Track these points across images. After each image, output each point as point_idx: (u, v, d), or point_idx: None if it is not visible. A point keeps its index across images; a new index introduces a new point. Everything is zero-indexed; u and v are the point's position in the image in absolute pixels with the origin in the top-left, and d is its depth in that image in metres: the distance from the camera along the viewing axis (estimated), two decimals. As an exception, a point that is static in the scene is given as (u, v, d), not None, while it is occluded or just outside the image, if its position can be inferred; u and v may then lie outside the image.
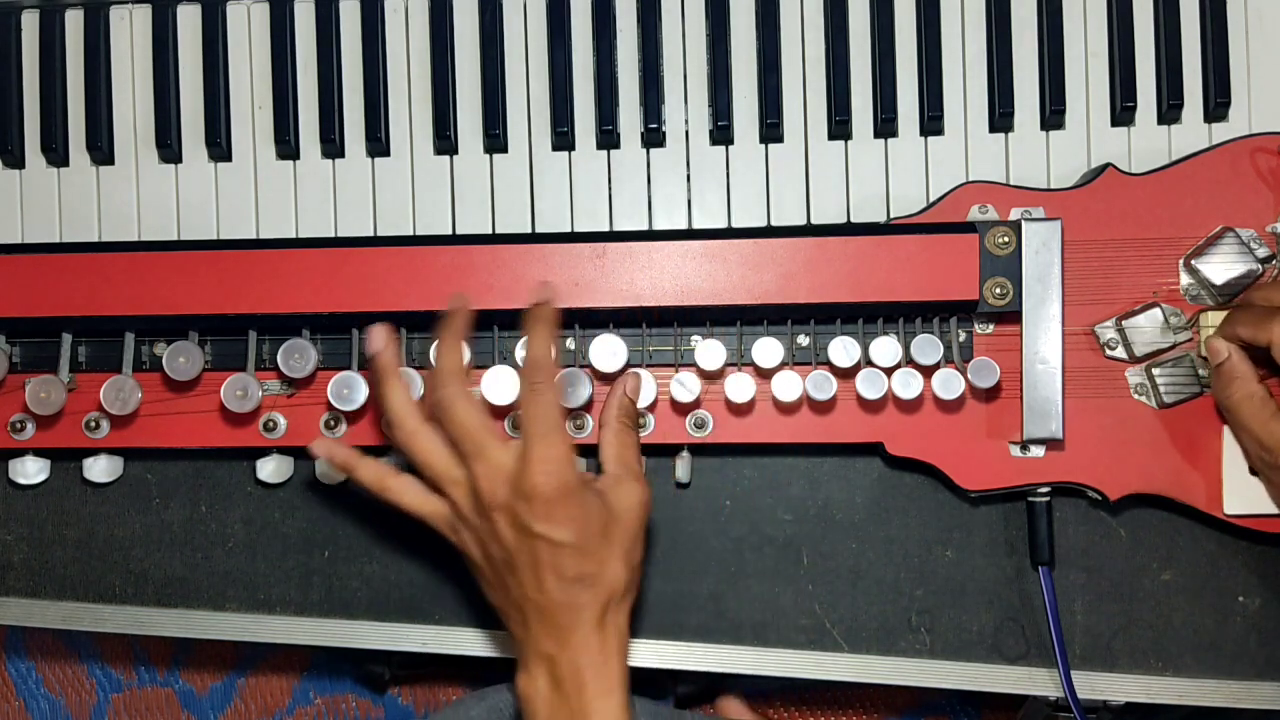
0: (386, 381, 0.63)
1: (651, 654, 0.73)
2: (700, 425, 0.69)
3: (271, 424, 0.68)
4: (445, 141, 0.74)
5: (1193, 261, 0.68)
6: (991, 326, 0.68)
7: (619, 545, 0.61)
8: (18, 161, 0.75)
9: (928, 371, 0.67)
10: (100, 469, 0.72)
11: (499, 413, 0.68)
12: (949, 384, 0.66)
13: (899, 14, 0.73)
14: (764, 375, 0.68)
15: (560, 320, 0.63)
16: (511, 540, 0.60)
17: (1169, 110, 0.72)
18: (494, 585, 0.63)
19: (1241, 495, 0.67)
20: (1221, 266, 0.67)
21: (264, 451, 0.71)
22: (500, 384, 0.66)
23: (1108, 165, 0.69)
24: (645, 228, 0.74)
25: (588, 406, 0.68)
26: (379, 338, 0.64)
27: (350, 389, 0.66)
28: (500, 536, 0.60)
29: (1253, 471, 0.67)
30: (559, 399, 0.62)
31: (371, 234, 0.74)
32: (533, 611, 0.61)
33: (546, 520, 0.59)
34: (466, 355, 0.64)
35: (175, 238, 0.74)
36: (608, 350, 0.67)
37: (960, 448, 0.68)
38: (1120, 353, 0.68)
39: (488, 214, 0.74)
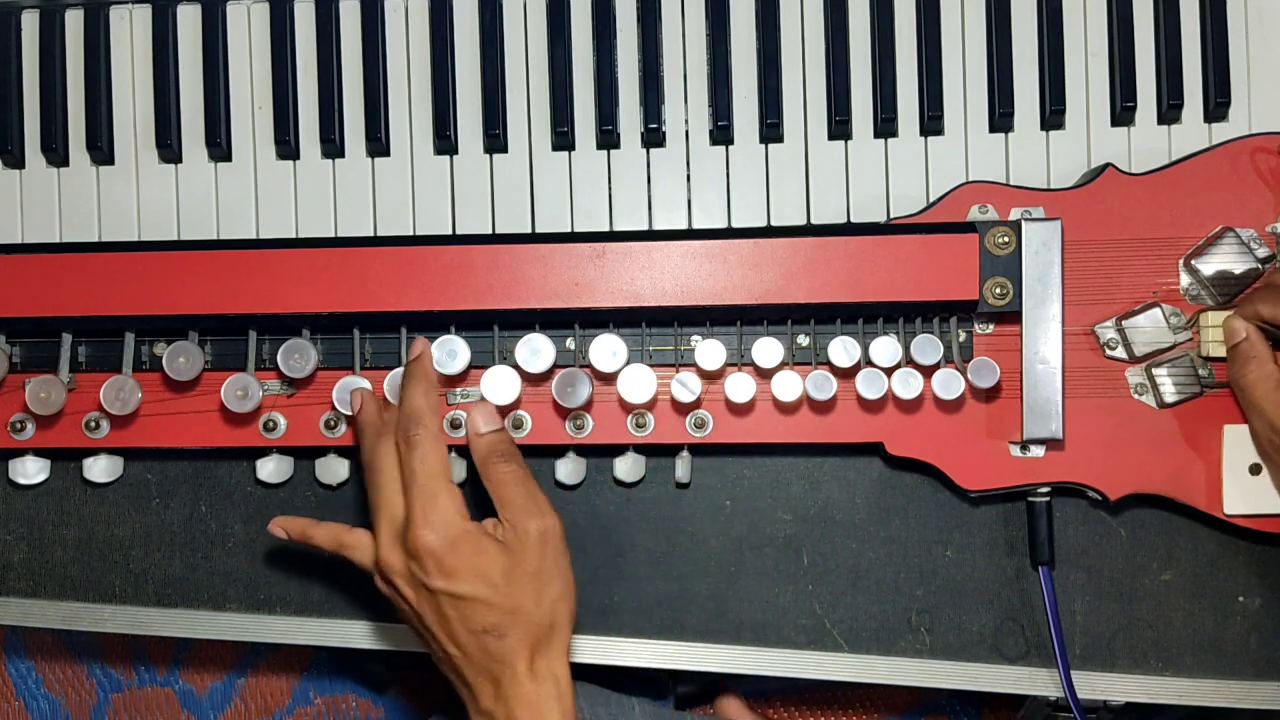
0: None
1: (651, 654, 0.73)
2: (700, 425, 0.69)
3: (271, 424, 0.68)
4: (445, 141, 0.74)
5: (1193, 261, 0.68)
6: (991, 326, 0.68)
7: (527, 587, 0.59)
8: (18, 161, 0.75)
9: (928, 371, 0.67)
10: (100, 469, 0.72)
11: (499, 413, 0.68)
12: (949, 384, 0.66)
13: (899, 14, 0.73)
14: (764, 375, 0.68)
15: (431, 373, 0.64)
16: (414, 600, 0.59)
17: (1169, 110, 0.73)
18: (426, 646, 0.62)
19: (1241, 495, 0.67)
20: (1221, 266, 0.67)
21: (264, 451, 0.71)
22: (500, 384, 0.66)
23: (1108, 165, 0.69)
24: (645, 228, 0.74)
25: (588, 406, 0.68)
26: (358, 402, 0.65)
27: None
28: (404, 597, 0.60)
29: (1253, 471, 0.67)
30: (441, 448, 0.60)
31: (371, 234, 0.74)
32: (462, 669, 0.60)
33: (441, 575, 0.58)
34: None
35: (175, 238, 0.74)
36: (608, 350, 0.67)
37: (960, 448, 0.68)
38: (1120, 353, 0.68)
39: (488, 214, 0.74)
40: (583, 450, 0.71)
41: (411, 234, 0.74)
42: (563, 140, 0.74)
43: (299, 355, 0.66)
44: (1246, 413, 0.66)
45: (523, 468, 0.62)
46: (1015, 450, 0.68)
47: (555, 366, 0.67)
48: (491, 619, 0.58)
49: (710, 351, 0.66)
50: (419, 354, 0.64)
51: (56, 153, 0.74)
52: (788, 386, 0.66)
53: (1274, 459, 0.66)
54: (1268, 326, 0.64)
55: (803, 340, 0.69)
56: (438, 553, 0.58)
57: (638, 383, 0.66)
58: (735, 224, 0.73)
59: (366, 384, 0.67)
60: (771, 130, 0.73)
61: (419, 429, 0.60)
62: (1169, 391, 0.68)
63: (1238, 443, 0.67)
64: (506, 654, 0.59)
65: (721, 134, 0.73)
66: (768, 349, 0.66)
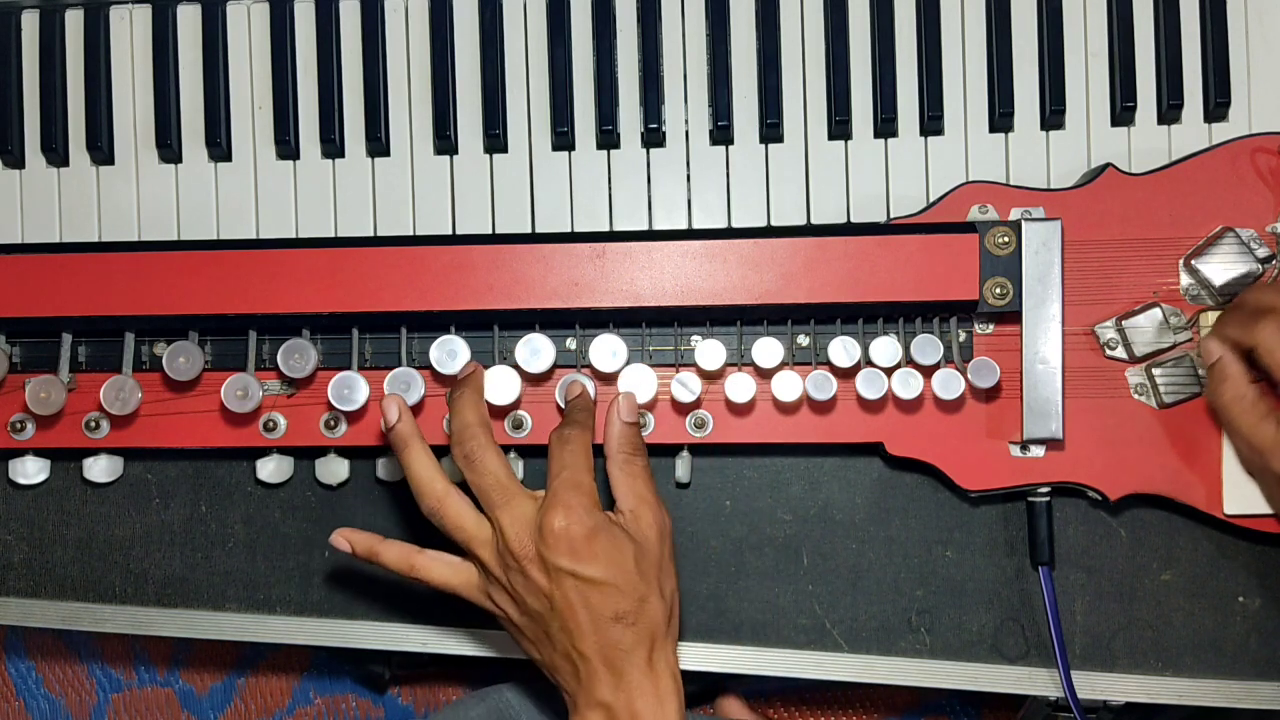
0: (409, 450, 0.63)
1: (651, 654, 0.73)
2: (700, 425, 0.69)
3: (271, 424, 0.68)
4: (445, 141, 0.74)
5: (1193, 261, 0.68)
6: (991, 326, 0.68)
7: (653, 579, 0.60)
8: (18, 161, 0.75)
9: (928, 371, 0.67)
10: (100, 469, 0.72)
11: (499, 412, 0.68)
12: (949, 384, 0.66)
13: (899, 14, 0.73)
14: (764, 375, 0.68)
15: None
16: (545, 585, 0.59)
17: (1169, 110, 0.73)
18: (538, 642, 0.62)
19: (1241, 495, 0.67)
20: (1221, 266, 0.67)
21: (264, 451, 0.71)
22: (500, 384, 0.66)
23: (1108, 165, 0.69)
24: (645, 228, 0.74)
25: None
26: (392, 411, 0.63)
27: (350, 389, 0.66)
28: (534, 584, 0.60)
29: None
30: (589, 447, 0.62)
31: (371, 234, 0.74)
32: (581, 661, 0.60)
33: (574, 558, 0.58)
34: (486, 410, 0.64)
35: (175, 238, 0.74)
36: (608, 350, 0.67)
37: (960, 448, 0.68)
38: (1120, 353, 0.68)
39: (488, 214, 0.74)
40: (583, 450, 0.71)
41: (411, 234, 0.74)
42: (563, 140, 0.74)
43: (299, 355, 0.66)
44: (1226, 432, 0.67)
45: (649, 464, 0.63)
46: (1015, 450, 0.68)
47: (555, 366, 0.67)
48: (624, 605, 0.59)
49: (710, 351, 0.66)
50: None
51: (56, 153, 0.74)
52: (788, 386, 0.66)
53: (1258, 477, 0.66)
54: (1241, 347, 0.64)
55: (803, 340, 0.69)
56: (574, 536, 0.58)
57: (638, 383, 0.66)
58: (735, 224, 0.73)
59: (362, 380, 0.66)
60: (771, 130, 0.73)
61: (583, 422, 0.63)
62: (1169, 391, 0.68)
63: (1230, 444, 0.67)
64: (632, 644, 0.59)
65: (721, 134, 0.73)
66: (768, 349, 0.66)
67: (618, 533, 0.60)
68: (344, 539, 0.65)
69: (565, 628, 0.59)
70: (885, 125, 0.73)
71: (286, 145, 0.74)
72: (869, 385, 0.66)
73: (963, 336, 0.69)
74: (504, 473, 0.61)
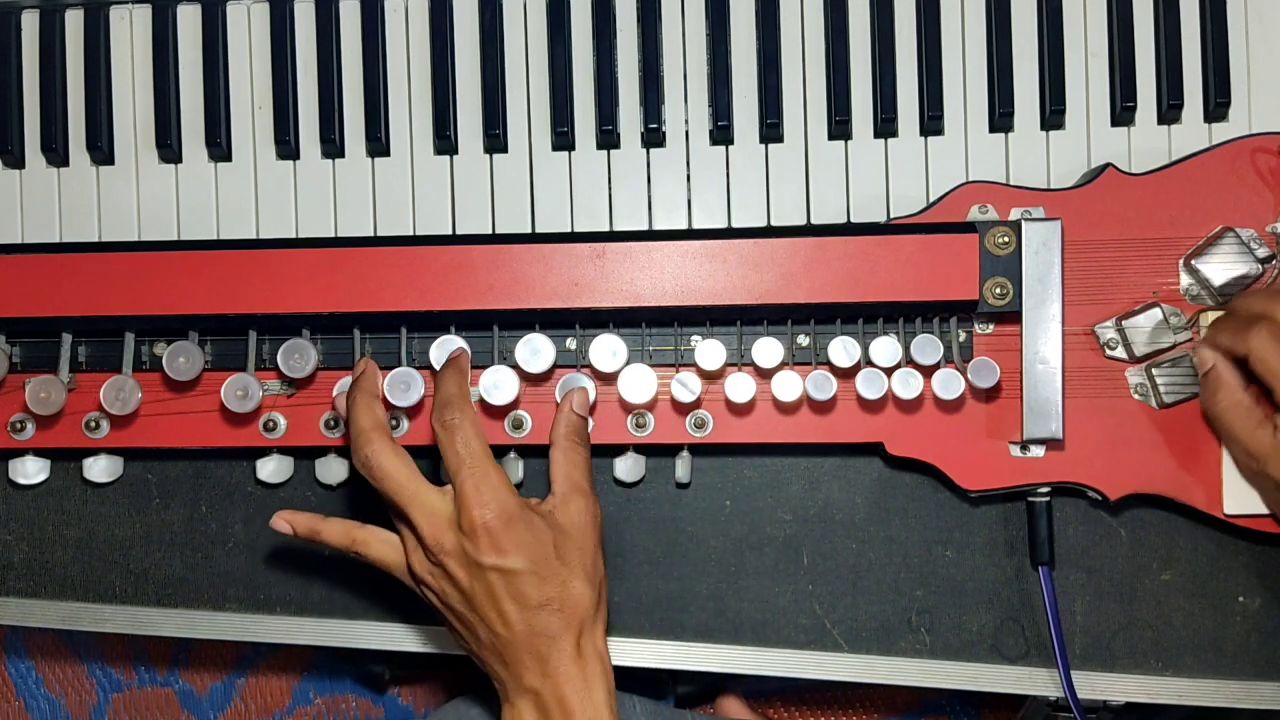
0: (354, 393, 0.62)
1: (651, 654, 0.73)
2: (700, 425, 0.69)
3: (271, 424, 0.68)
4: (445, 141, 0.74)
5: (1193, 261, 0.68)
6: (991, 326, 0.68)
7: (576, 564, 0.60)
8: (18, 161, 0.75)
9: (928, 371, 0.67)
10: (100, 469, 0.72)
11: (499, 412, 0.68)
12: (949, 384, 0.66)
13: (899, 14, 0.73)
14: (764, 375, 0.68)
15: (468, 368, 0.65)
16: (466, 581, 0.60)
17: (1169, 110, 0.73)
18: (464, 634, 0.62)
19: (1241, 495, 0.67)
20: (1221, 266, 0.67)
21: (264, 451, 0.71)
22: (500, 384, 0.66)
23: (1108, 165, 0.69)
24: (645, 228, 0.74)
25: (590, 408, 0.68)
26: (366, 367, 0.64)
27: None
28: (455, 580, 0.60)
29: (1252, 472, 0.68)
30: (479, 429, 0.61)
31: (371, 234, 0.74)
32: (507, 649, 0.60)
33: (495, 552, 0.58)
34: (382, 411, 0.63)
35: (175, 238, 0.74)
36: (608, 350, 0.67)
37: (960, 448, 0.68)
38: (1120, 353, 0.68)
39: (488, 214, 0.74)
40: (583, 450, 0.71)
41: (411, 234, 0.74)
42: (563, 140, 0.74)
43: (299, 355, 0.66)
44: (1223, 440, 0.67)
45: (590, 456, 0.64)
46: (1015, 450, 0.68)
47: (555, 366, 0.67)
48: (547, 593, 0.59)
49: (710, 351, 0.66)
50: (458, 355, 0.65)
51: (56, 153, 0.74)
52: (788, 386, 0.66)
53: (1256, 483, 0.66)
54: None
55: (803, 340, 0.69)
56: (494, 529, 0.58)
57: (638, 383, 0.66)
58: (735, 224, 0.73)
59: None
60: (771, 130, 0.73)
61: (454, 413, 0.60)
62: (1169, 391, 0.68)
63: (1227, 451, 0.67)
64: (557, 630, 0.59)
65: (721, 134, 0.73)
66: (768, 349, 0.66)
67: (534, 519, 0.60)
68: (284, 521, 0.65)
69: (486, 619, 0.60)
70: (885, 125, 0.73)
71: (286, 145, 0.74)
72: (869, 385, 0.66)
73: (963, 336, 0.69)
74: (404, 474, 0.60)
